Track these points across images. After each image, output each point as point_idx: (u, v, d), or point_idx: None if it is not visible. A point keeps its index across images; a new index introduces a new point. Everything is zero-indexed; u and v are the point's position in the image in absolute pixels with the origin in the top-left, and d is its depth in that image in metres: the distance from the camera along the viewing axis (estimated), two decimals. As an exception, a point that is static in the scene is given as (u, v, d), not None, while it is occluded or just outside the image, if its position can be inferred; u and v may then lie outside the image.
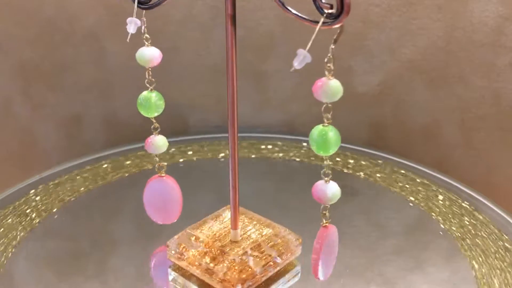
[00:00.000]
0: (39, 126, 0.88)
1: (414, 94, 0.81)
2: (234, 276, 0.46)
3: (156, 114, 0.47)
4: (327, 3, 0.34)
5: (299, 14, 0.37)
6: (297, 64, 0.35)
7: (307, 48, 0.35)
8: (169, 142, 0.78)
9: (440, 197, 0.65)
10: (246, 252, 0.47)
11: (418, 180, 0.69)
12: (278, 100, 0.84)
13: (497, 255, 0.54)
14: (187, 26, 0.79)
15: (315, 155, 0.75)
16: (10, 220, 0.60)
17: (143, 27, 0.44)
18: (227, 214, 0.52)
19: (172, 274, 0.50)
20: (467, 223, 0.59)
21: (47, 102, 0.86)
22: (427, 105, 0.82)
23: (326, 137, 0.39)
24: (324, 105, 0.38)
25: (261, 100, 0.85)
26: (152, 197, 0.50)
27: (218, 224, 0.51)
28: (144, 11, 0.44)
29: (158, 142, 0.48)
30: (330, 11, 0.34)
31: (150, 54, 0.46)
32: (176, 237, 0.50)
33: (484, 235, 0.57)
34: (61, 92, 0.85)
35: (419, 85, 0.80)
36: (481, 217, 0.60)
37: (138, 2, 0.43)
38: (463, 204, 0.63)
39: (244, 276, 0.46)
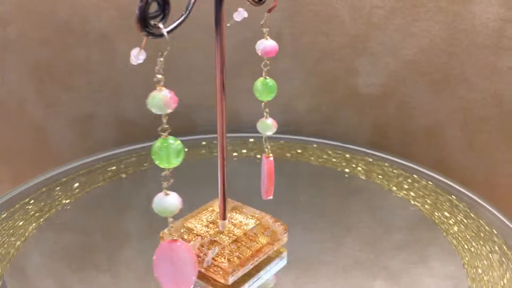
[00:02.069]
0: (52, 125, 0.90)
1: (416, 96, 0.82)
2: (223, 263, 0.48)
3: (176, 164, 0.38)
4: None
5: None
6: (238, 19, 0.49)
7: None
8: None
9: (441, 198, 0.66)
10: (235, 240, 0.50)
11: (420, 180, 0.70)
12: (284, 100, 0.86)
13: (495, 254, 0.55)
14: (194, 27, 0.81)
15: (315, 155, 0.76)
16: (23, 215, 0.62)
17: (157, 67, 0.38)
18: (214, 206, 0.55)
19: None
20: (469, 225, 0.60)
21: (60, 101, 0.88)
22: (430, 106, 0.83)
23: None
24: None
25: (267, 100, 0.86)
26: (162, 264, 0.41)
27: (209, 215, 0.54)
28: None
29: (170, 202, 0.39)
30: None
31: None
32: (168, 229, 0.52)
33: (483, 235, 0.58)
34: (73, 92, 0.87)
35: (421, 86, 0.81)
36: (481, 221, 0.61)
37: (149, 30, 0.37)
38: (463, 205, 0.64)
39: (233, 263, 0.48)
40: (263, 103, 0.51)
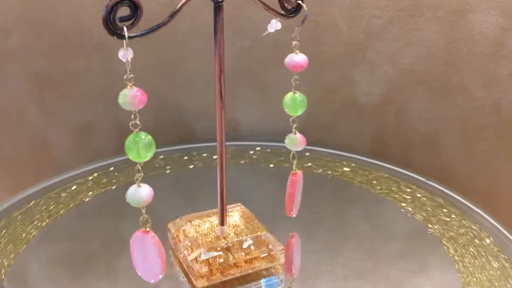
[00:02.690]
0: (51, 133, 0.90)
1: (415, 104, 0.82)
2: (200, 266, 0.48)
3: (146, 159, 0.40)
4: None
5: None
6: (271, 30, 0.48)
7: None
8: (176, 149, 0.81)
9: (440, 206, 0.66)
10: (229, 247, 0.50)
11: (418, 189, 0.70)
12: (283, 109, 0.86)
13: (492, 264, 0.55)
14: (193, 36, 0.81)
15: (314, 164, 0.76)
16: (22, 222, 0.62)
17: (128, 69, 0.41)
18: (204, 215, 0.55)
19: (171, 256, 0.53)
20: (467, 234, 0.60)
21: (59, 110, 0.88)
22: (429, 114, 0.83)
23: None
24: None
25: (265, 108, 0.86)
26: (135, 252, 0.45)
27: (210, 220, 0.54)
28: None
29: (141, 193, 0.42)
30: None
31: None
32: (174, 222, 0.54)
33: (480, 244, 0.58)
34: (72, 101, 0.88)
35: (420, 95, 0.82)
36: (479, 229, 0.61)
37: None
38: (461, 214, 0.64)
39: (210, 269, 0.49)
40: (291, 118, 0.51)
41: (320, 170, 0.75)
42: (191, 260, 0.49)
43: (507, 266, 0.54)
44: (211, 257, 0.49)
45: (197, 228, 0.52)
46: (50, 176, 0.73)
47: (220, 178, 0.50)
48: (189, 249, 0.51)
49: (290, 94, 0.50)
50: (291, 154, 0.52)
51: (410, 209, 0.65)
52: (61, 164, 0.92)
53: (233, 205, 0.56)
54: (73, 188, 0.70)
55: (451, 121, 0.82)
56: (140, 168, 0.41)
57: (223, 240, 0.51)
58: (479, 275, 0.53)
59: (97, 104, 0.88)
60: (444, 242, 0.58)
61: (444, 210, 0.65)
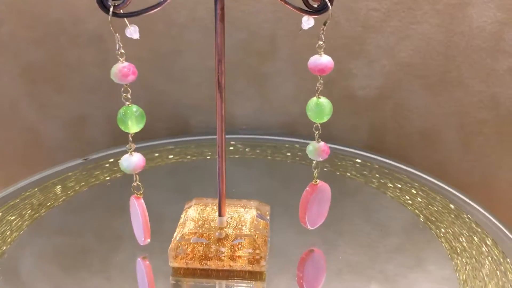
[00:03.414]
0: (44, 126, 0.90)
1: (413, 98, 0.82)
2: (195, 253, 0.49)
3: (137, 130, 0.45)
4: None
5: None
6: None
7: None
8: (170, 142, 0.80)
9: (437, 202, 0.65)
10: (220, 239, 0.50)
11: (415, 183, 0.69)
12: (279, 102, 0.85)
13: (489, 258, 0.54)
14: (190, 29, 0.80)
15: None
16: (13, 215, 0.61)
17: (117, 44, 0.43)
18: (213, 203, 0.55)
19: (173, 280, 0.52)
20: (463, 229, 0.60)
21: (52, 102, 0.88)
22: (426, 109, 0.82)
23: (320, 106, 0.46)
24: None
25: (261, 101, 0.86)
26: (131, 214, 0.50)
27: (209, 211, 0.54)
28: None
29: (133, 160, 0.46)
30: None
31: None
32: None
33: (477, 239, 0.58)
34: (66, 93, 0.87)
35: (418, 89, 0.81)
36: (476, 225, 0.61)
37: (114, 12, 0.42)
38: (458, 209, 0.64)
39: (201, 257, 0.49)
40: (315, 125, 0.48)
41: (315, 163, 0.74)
42: (173, 238, 0.50)
43: (503, 261, 0.53)
44: (195, 242, 0.49)
45: (201, 213, 0.53)
46: (42, 168, 0.72)
47: (220, 169, 0.49)
48: (179, 227, 0.52)
49: (314, 100, 0.46)
50: (313, 164, 0.49)
51: (407, 204, 0.64)
52: (54, 157, 0.91)
53: (255, 202, 0.56)
54: (65, 180, 0.69)
55: (449, 116, 0.82)
56: (131, 138, 0.45)
57: (218, 230, 0.51)
58: (476, 270, 0.52)
59: (91, 97, 0.87)
60: (441, 237, 0.57)
61: (441, 204, 0.64)
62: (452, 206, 0.64)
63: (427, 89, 0.81)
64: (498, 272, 0.52)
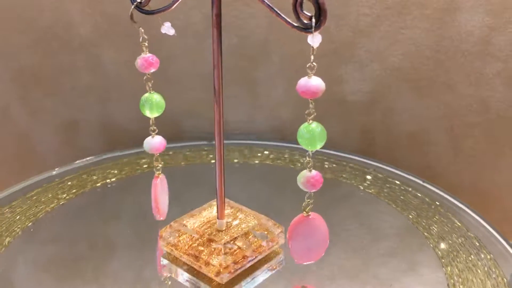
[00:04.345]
0: (36, 131, 0.89)
1: (403, 102, 0.82)
2: (220, 261, 0.49)
3: (157, 115, 0.51)
4: (306, 14, 0.40)
5: (288, 20, 0.42)
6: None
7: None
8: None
9: (427, 205, 0.66)
10: (233, 239, 0.50)
11: (406, 187, 0.70)
12: (270, 106, 0.86)
13: (480, 261, 0.55)
14: (184, 34, 0.80)
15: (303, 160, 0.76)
16: (5, 222, 0.61)
17: (141, 37, 0.49)
18: (214, 206, 0.55)
19: (164, 261, 0.53)
20: (454, 232, 0.61)
21: (44, 107, 0.87)
22: (416, 113, 0.83)
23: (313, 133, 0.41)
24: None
25: (253, 106, 0.86)
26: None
27: (207, 214, 0.54)
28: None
29: (155, 142, 0.52)
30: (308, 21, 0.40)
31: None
32: (168, 226, 0.53)
33: (467, 242, 0.58)
34: (58, 98, 0.87)
35: (408, 93, 0.82)
36: (466, 228, 0.61)
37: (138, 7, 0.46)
38: (448, 212, 0.64)
39: (230, 261, 0.49)
40: (307, 153, 0.42)
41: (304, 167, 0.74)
42: (212, 255, 0.50)
43: (493, 264, 0.54)
44: (227, 249, 0.50)
45: (195, 228, 0.52)
46: (34, 174, 0.72)
47: (218, 173, 0.50)
48: (203, 247, 0.51)
49: (305, 125, 0.41)
50: (306, 196, 0.45)
51: (398, 208, 0.65)
52: (46, 163, 0.91)
53: (210, 202, 0.57)
54: (57, 186, 0.69)
55: (438, 119, 0.83)
56: (153, 121, 0.51)
57: (227, 233, 0.51)
58: (466, 273, 0.53)
59: (84, 102, 0.87)
60: (432, 240, 0.58)
61: (432, 208, 0.65)
62: (442, 209, 0.65)
63: (417, 93, 0.82)
64: (488, 275, 0.53)
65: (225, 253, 0.49)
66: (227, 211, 0.54)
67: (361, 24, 0.78)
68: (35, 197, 0.67)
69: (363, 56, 0.80)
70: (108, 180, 0.71)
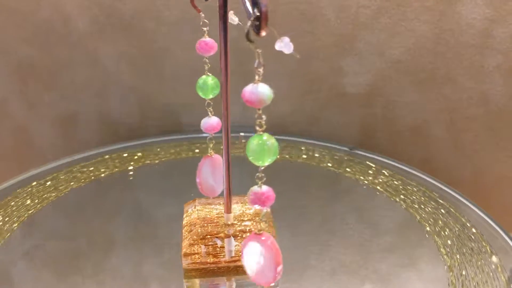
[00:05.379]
0: (34, 125, 0.89)
1: (403, 95, 0.82)
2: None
3: (211, 96, 0.51)
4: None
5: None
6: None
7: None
8: (162, 140, 0.80)
9: (427, 199, 0.66)
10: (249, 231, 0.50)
11: (406, 180, 0.70)
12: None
13: (480, 255, 0.55)
14: (181, 27, 0.80)
15: (306, 155, 0.76)
16: (3, 215, 0.61)
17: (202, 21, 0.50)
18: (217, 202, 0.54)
19: (188, 283, 0.51)
20: (454, 226, 0.61)
21: (42, 101, 0.87)
22: (416, 105, 0.83)
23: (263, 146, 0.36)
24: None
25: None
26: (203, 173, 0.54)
27: (213, 210, 0.53)
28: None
29: (213, 120, 0.51)
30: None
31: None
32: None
33: (468, 236, 0.58)
34: (56, 91, 0.86)
35: (408, 86, 0.81)
36: (466, 221, 0.61)
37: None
38: (449, 206, 0.64)
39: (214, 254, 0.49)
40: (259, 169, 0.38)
41: (304, 161, 0.74)
42: (183, 240, 0.49)
43: (494, 259, 0.54)
44: (206, 243, 0.49)
45: (206, 213, 0.52)
46: (33, 168, 0.72)
47: (225, 167, 0.49)
48: (186, 229, 0.51)
49: (256, 138, 0.36)
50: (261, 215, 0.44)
51: (399, 202, 0.65)
52: (45, 156, 0.90)
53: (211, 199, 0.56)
54: (55, 180, 0.69)
55: (438, 112, 0.82)
56: (210, 103, 0.51)
57: (240, 225, 0.51)
58: (467, 268, 0.53)
59: (82, 95, 0.87)
60: (433, 235, 0.58)
61: (432, 202, 0.65)
62: (442, 202, 0.64)
63: (417, 86, 0.81)
64: (489, 269, 0.52)
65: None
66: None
67: (361, 16, 0.77)
68: (33, 191, 0.66)
69: (363, 48, 0.80)
70: (103, 175, 0.71)
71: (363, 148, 0.79)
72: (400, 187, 0.68)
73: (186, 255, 0.50)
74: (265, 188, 0.38)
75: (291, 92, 0.83)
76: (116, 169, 0.72)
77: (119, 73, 0.84)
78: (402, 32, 0.78)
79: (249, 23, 0.35)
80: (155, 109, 0.87)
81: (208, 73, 0.51)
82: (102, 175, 0.71)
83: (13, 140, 0.90)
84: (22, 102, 0.87)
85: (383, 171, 0.72)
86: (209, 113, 0.51)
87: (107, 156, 0.76)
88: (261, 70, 0.37)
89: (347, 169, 0.72)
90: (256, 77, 0.37)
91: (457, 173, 0.86)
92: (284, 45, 0.37)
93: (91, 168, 0.72)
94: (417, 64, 0.80)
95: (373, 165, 0.73)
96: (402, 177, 0.70)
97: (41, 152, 0.91)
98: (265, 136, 0.36)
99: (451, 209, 0.63)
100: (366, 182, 0.69)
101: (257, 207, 0.38)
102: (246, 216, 0.52)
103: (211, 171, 0.53)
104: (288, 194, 0.67)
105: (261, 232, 0.40)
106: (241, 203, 0.54)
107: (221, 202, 0.53)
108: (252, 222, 0.51)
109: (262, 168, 0.37)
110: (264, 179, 0.37)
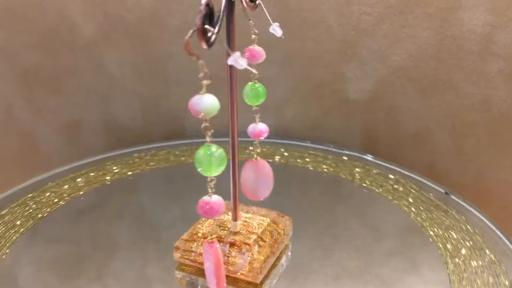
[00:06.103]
0: (40, 130, 0.89)
1: (405, 101, 0.83)
2: (251, 263, 0.49)
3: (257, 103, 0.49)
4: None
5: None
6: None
7: None
8: (165, 145, 0.81)
9: (430, 204, 0.66)
10: (259, 238, 0.51)
11: (408, 185, 0.70)
12: (272, 105, 0.86)
13: (482, 260, 0.55)
14: (184, 34, 0.80)
15: (310, 159, 0.76)
16: (9, 221, 0.61)
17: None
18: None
19: (179, 275, 0.52)
20: (457, 230, 0.61)
21: (48, 107, 0.88)
22: (418, 111, 0.83)
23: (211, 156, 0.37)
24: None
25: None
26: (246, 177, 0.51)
27: (220, 217, 0.54)
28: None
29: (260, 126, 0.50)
30: None
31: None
32: (183, 238, 0.52)
33: (471, 241, 0.59)
34: (61, 97, 0.87)
35: (410, 92, 0.82)
36: (469, 226, 0.61)
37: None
38: (451, 210, 0.65)
39: (260, 262, 0.49)
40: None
41: (308, 165, 0.75)
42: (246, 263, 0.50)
43: (497, 263, 0.54)
44: (255, 251, 0.50)
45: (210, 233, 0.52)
46: (38, 174, 0.72)
47: (233, 174, 0.49)
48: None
49: (203, 149, 0.38)
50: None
51: (401, 207, 0.65)
52: (50, 162, 0.91)
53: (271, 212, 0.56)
54: (61, 185, 0.69)
55: (441, 118, 0.83)
56: (257, 109, 0.49)
57: (248, 233, 0.51)
58: (469, 272, 0.53)
59: (87, 101, 0.87)
60: (435, 239, 0.58)
61: (434, 206, 0.65)
62: (445, 207, 0.65)
63: (419, 92, 0.82)
64: (491, 274, 0.53)
65: (256, 254, 0.49)
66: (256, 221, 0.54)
67: (363, 23, 0.78)
68: (38, 196, 0.67)
69: (365, 55, 0.80)
70: (108, 177, 0.71)
71: (366, 153, 0.79)
72: (402, 192, 0.68)
73: (177, 248, 0.51)
74: (215, 198, 0.38)
75: (295, 98, 0.84)
76: (121, 174, 0.73)
77: (123, 79, 0.85)
78: (404, 38, 0.78)
79: (189, 33, 0.36)
80: (159, 115, 0.87)
81: (256, 81, 0.49)
82: (107, 179, 0.71)
83: (18, 145, 0.91)
84: (28, 107, 0.88)
85: (385, 176, 0.72)
86: (256, 120, 0.50)
87: (111, 161, 0.76)
88: (206, 82, 0.38)
89: (349, 174, 0.73)
90: (204, 89, 0.37)
91: (459, 178, 0.86)
92: (234, 60, 0.39)
93: (96, 173, 0.73)
94: (419, 70, 0.80)
95: (375, 170, 0.74)
96: (404, 182, 0.71)
97: (46, 157, 0.91)
98: (214, 147, 0.37)
99: (454, 214, 0.63)
100: (368, 187, 0.69)
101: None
102: (252, 227, 0.52)
103: (255, 176, 0.50)
104: (291, 198, 0.67)
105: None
106: (252, 212, 0.55)
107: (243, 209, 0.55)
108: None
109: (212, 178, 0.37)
110: (214, 189, 0.38)
